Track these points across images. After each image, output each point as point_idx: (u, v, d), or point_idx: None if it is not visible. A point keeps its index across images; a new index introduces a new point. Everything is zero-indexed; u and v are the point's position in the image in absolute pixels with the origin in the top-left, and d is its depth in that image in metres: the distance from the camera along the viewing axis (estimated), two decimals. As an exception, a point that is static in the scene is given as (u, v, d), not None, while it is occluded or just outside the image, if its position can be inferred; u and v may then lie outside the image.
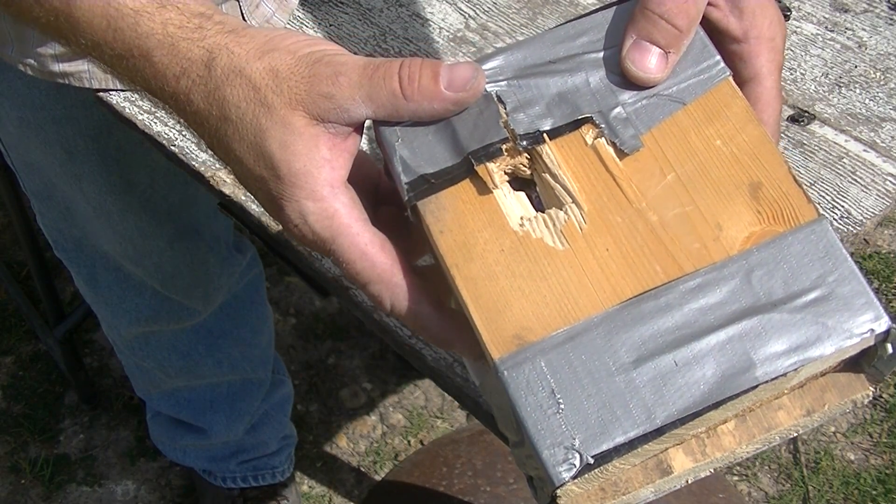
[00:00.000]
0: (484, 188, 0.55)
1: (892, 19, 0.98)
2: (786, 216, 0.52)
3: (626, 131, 0.55)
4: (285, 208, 0.53)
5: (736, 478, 1.73)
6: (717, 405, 0.49)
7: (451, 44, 0.95)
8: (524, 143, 0.55)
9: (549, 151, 0.55)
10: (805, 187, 0.54)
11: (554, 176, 0.55)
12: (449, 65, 0.53)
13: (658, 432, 0.49)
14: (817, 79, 0.93)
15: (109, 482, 1.75)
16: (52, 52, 0.89)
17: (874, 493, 1.70)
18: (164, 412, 1.55)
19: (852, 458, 1.74)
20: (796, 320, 0.50)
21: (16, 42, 0.90)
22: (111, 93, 0.92)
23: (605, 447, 0.49)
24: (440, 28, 0.96)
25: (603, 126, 0.55)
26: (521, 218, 0.54)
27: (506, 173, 0.56)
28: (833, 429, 1.78)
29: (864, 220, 0.82)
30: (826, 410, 0.55)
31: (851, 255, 0.52)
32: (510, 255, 0.53)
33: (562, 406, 0.50)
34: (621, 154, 0.55)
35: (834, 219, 0.82)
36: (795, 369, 0.50)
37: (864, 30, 0.97)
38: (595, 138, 0.55)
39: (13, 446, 1.78)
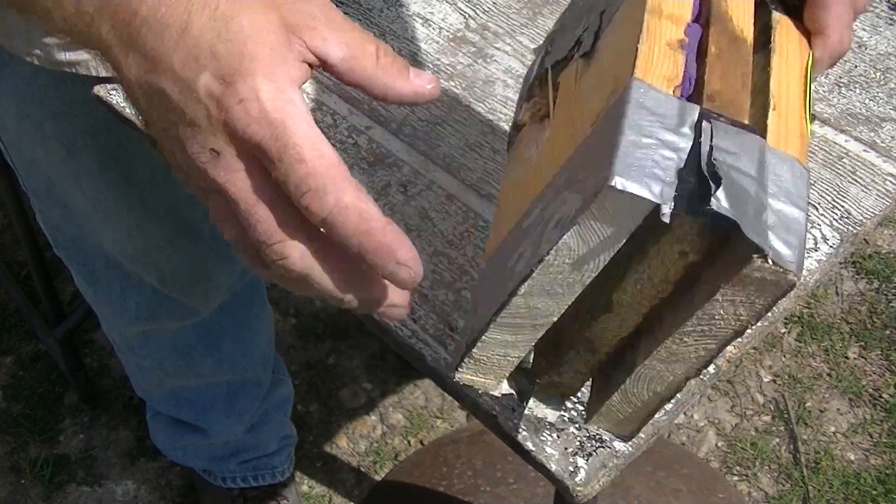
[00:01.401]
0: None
1: (892, 19, 0.98)
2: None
3: (588, 40, 0.60)
4: (236, 83, 0.48)
5: (736, 478, 1.73)
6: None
7: (451, 44, 0.95)
8: (537, 82, 0.63)
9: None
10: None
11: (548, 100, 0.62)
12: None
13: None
14: (817, 79, 0.93)
15: (109, 482, 1.75)
16: (57, 42, 0.88)
17: (874, 493, 1.70)
18: (164, 412, 1.55)
19: (852, 458, 1.74)
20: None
21: (23, 33, 0.89)
22: (111, 93, 0.92)
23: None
24: (440, 28, 0.96)
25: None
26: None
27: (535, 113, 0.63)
28: (833, 429, 1.78)
29: (864, 220, 0.82)
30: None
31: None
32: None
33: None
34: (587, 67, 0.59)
35: (834, 219, 0.82)
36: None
37: (864, 30, 0.97)
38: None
39: (13, 446, 1.78)
